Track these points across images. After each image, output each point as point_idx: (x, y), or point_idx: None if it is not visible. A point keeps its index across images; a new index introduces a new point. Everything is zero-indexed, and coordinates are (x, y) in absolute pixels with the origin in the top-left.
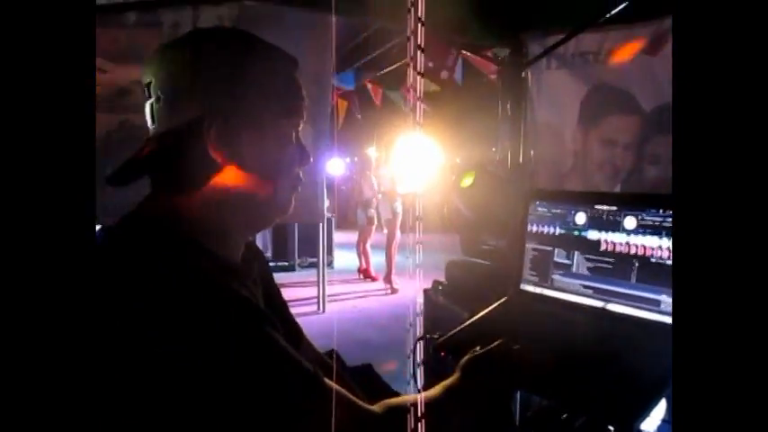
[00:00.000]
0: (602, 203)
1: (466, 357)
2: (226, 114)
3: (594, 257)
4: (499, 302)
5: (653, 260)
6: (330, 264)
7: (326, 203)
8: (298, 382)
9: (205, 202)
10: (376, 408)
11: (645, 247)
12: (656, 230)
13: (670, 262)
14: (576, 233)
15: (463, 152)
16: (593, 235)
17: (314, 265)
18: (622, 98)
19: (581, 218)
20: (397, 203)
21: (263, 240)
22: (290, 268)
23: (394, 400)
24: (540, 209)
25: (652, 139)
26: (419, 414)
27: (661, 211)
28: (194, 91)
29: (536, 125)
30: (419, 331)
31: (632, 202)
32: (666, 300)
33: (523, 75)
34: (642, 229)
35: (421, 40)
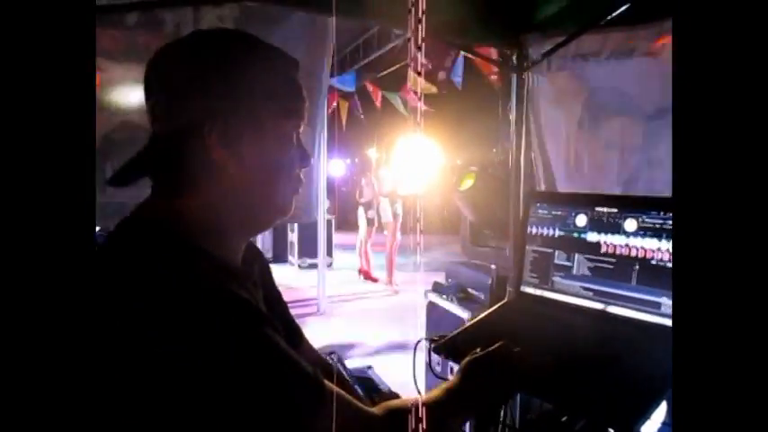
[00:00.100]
0: (603, 206)
1: (466, 359)
2: (226, 116)
3: (595, 260)
4: (499, 304)
5: (653, 262)
6: (330, 265)
7: (327, 204)
8: (298, 385)
9: (206, 204)
10: (377, 410)
11: (645, 250)
12: (656, 233)
13: (670, 264)
14: (577, 235)
15: (464, 154)
16: (593, 237)
17: (314, 266)
18: (623, 100)
19: (581, 220)
20: (398, 205)
21: (262, 241)
22: (291, 269)
23: (395, 402)
24: (540, 211)
25: (653, 142)
26: (419, 416)
27: (662, 213)
28: (195, 92)
29: (537, 127)
30: (420, 333)
31: (633, 204)
32: (667, 302)
33: (524, 77)
34: (643, 231)
35: (421, 41)
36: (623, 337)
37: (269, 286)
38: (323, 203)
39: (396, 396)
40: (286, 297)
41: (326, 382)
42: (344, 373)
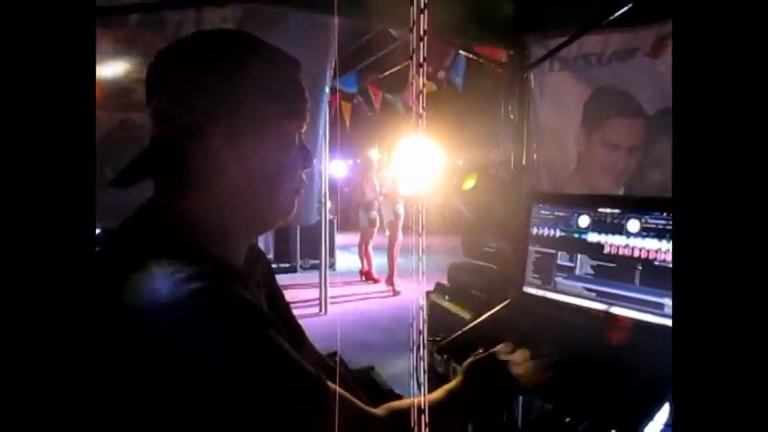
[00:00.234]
0: (606, 206)
1: (469, 360)
2: (229, 116)
3: (598, 260)
4: (502, 305)
5: (656, 263)
6: (332, 266)
7: (329, 205)
8: (301, 386)
9: (208, 205)
10: (379, 411)
11: (648, 251)
12: (659, 233)
13: None
14: (579, 236)
15: (465, 154)
16: (596, 238)
17: (316, 267)
18: (625, 101)
19: (584, 221)
20: (399, 205)
21: (264, 242)
22: (292, 270)
23: (397, 403)
24: (542, 211)
25: (655, 142)
26: (422, 417)
27: (664, 214)
28: (197, 93)
29: (538, 127)
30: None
31: (636, 205)
32: (670, 303)
33: (526, 77)
34: (646, 232)
35: (423, 40)
36: (626, 337)
37: (271, 287)
38: (326, 204)
39: (398, 397)
40: (287, 297)
41: (330, 383)
42: (346, 373)
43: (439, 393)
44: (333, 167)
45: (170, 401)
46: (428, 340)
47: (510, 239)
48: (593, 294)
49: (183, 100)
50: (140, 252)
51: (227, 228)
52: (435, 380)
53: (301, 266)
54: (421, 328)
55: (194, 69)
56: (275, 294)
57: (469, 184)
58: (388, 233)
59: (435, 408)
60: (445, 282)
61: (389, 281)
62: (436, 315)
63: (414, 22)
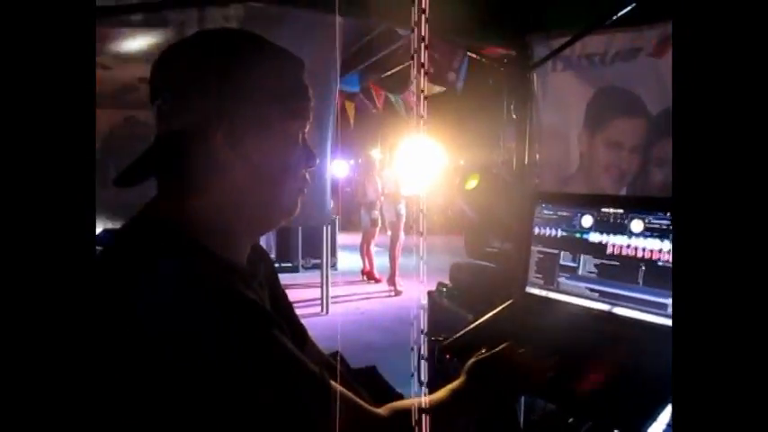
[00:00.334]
0: (609, 206)
1: (471, 360)
2: (232, 116)
3: (601, 260)
4: (504, 305)
5: (660, 263)
6: (334, 265)
7: (331, 205)
8: (305, 386)
9: (211, 204)
10: (382, 411)
11: (652, 251)
12: (662, 234)
13: None
14: (583, 236)
15: (467, 154)
16: (599, 238)
17: (317, 267)
18: (628, 101)
19: (587, 221)
20: (401, 205)
21: (266, 241)
22: (294, 269)
23: (400, 404)
24: (545, 211)
25: (658, 142)
26: (424, 417)
27: (668, 214)
28: (201, 92)
29: (541, 127)
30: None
31: (639, 205)
32: None
33: (528, 77)
34: (649, 232)
35: (425, 40)
36: (629, 338)
37: (274, 286)
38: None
39: (400, 396)
40: (289, 297)
41: (333, 383)
42: (348, 373)
43: (442, 393)
44: (334, 167)
45: (174, 401)
46: (431, 340)
47: (512, 239)
48: (596, 295)
49: (187, 99)
50: (144, 252)
51: (231, 227)
52: (438, 380)
53: (303, 266)
54: (423, 327)
55: (198, 69)
56: (278, 294)
57: (472, 184)
58: (389, 233)
59: (438, 408)
60: (447, 281)
61: (391, 281)
62: (438, 315)
63: (415, 21)
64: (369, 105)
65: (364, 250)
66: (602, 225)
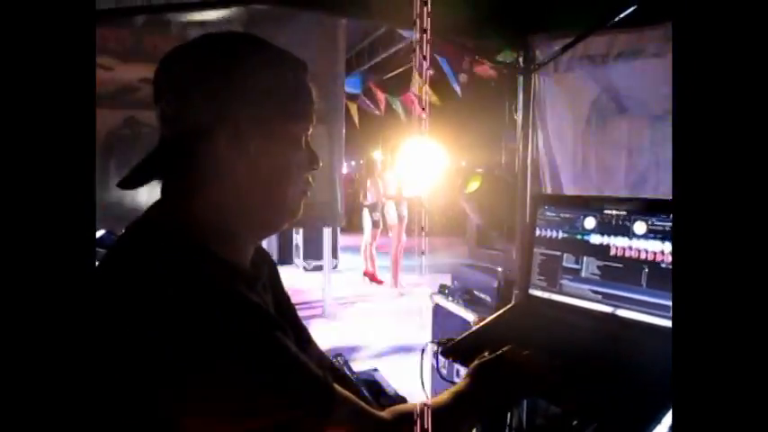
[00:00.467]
0: (612, 208)
1: (475, 363)
2: (235, 119)
3: (604, 262)
4: (507, 307)
5: (663, 265)
6: (335, 267)
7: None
8: (308, 389)
9: (215, 207)
10: (386, 414)
11: (655, 253)
12: (665, 235)
13: None
14: (585, 238)
15: (468, 155)
16: (602, 240)
17: (319, 268)
18: (631, 102)
19: (590, 222)
20: (403, 207)
21: (268, 243)
22: (296, 271)
23: (403, 407)
24: (548, 213)
25: (661, 143)
26: (427, 420)
27: (671, 216)
28: (204, 95)
29: (543, 128)
30: (426, 336)
31: (642, 206)
32: None
33: (531, 78)
34: (652, 233)
35: (427, 40)
36: (633, 340)
37: (277, 289)
38: None
39: (403, 399)
40: (291, 299)
41: (337, 386)
42: (351, 375)
43: (445, 396)
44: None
45: (177, 403)
46: (433, 342)
47: (515, 241)
48: (600, 297)
49: (190, 102)
50: (147, 254)
51: (234, 230)
52: (440, 382)
53: (305, 268)
54: (425, 330)
55: (201, 72)
56: (281, 296)
57: (474, 185)
58: (391, 234)
59: (441, 411)
60: (449, 283)
61: (393, 282)
62: (440, 317)
63: (417, 22)
64: (371, 107)
65: (366, 252)
66: (605, 227)
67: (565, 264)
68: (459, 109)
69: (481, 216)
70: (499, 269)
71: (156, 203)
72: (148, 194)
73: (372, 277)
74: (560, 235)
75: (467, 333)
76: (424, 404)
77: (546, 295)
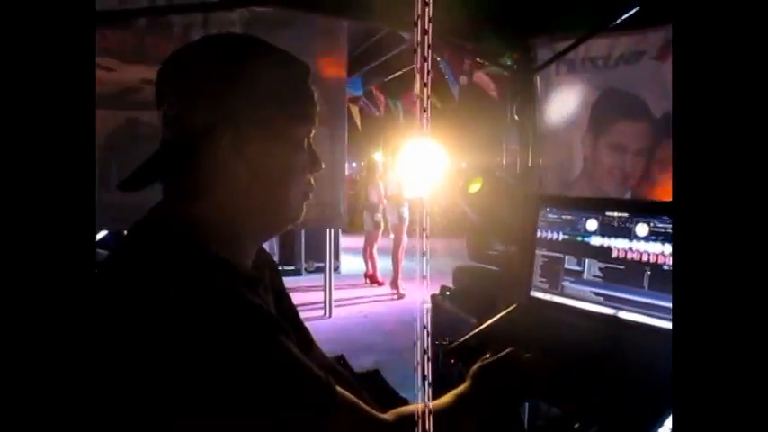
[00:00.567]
0: (614, 210)
1: (476, 365)
2: (237, 121)
3: (605, 264)
4: (509, 309)
5: (665, 267)
6: (337, 268)
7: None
8: (311, 391)
9: (217, 209)
10: (388, 416)
11: (657, 255)
12: (667, 237)
13: None
14: (587, 240)
15: (469, 157)
16: (604, 242)
17: (320, 270)
18: (632, 104)
19: (592, 224)
20: (404, 208)
21: (269, 245)
22: (297, 272)
23: (405, 409)
24: (550, 215)
25: (662, 145)
26: (429, 422)
27: (672, 218)
28: (206, 98)
29: (545, 130)
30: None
31: (643, 208)
32: None
33: (532, 80)
34: (654, 236)
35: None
36: (635, 342)
37: (279, 291)
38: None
39: (404, 401)
40: (293, 300)
41: (339, 388)
42: (352, 377)
43: (447, 398)
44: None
45: (179, 405)
46: (435, 344)
47: (516, 243)
48: (602, 299)
49: (192, 104)
50: (150, 256)
51: (236, 232)
52: (441, 384)
53: (306, 269)
54: (426, 331)
55: (203, 74)
56: (283, 299)
57: (475, 187)
58: (392, 236)
59: (443, 413)
60: (450, 285)
61: (394, 284)
62: (441, 318)
63: (418, 24)
64: (372, 109)
65: (367, 253)
66: (607, 229)
67: (566, 265)
68: (461, 110)
69: (482, 217)
70: (500, 270)
71: (158, 205)
72: (150, 196)
73: (373, 279)
74: (562, 237)
75: (468, 335)
76: (426, 406)
77: (547, 297)
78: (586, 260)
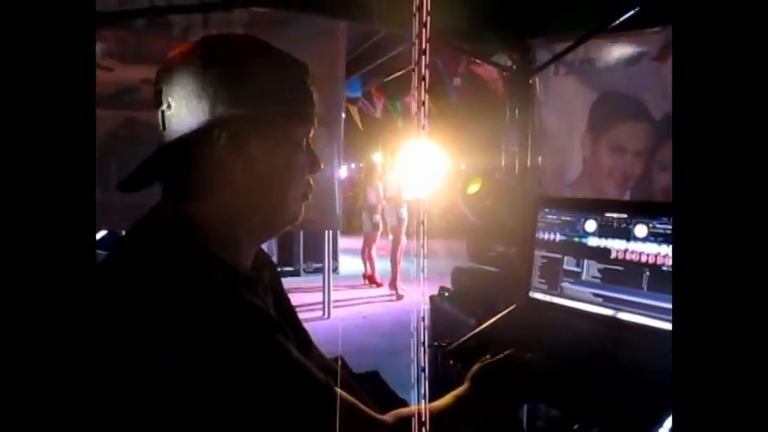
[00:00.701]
0: (613, 211)
1: (476, 366)
2: (236, 121)
3: (605, 265)
4: (508, 310)
5: (664, 268)
6: (335, 269)
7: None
8: (310, 392)
9: (216, 210)
10: (387, 417)
11: (656, 256)
12: (666, 239)
13: None
14: (586, 241)
15: (468, 158)
16: (603, 243)
17: (319, 271)
18: (632, 105)
19: (591, 225)
20: (403, 209)
21: (268, 245)
22: (296, 273)
23: (404, 410)
24: (549, 216)
25: (662, 146)
26: (428, 424)
27: (672, 219)
28: (205, 98)
29: (544, 132)
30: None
31: (643, 210)
32: None
33: (531, 81)
34: (653, 237)
35: (425, 45)
36: (634, 343)
37: (278, 292)
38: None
39: (403, 402)
40: (291, 301)
41: (337, 388)
42: (351, 378)
43: (446, 400)
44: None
45: (178, 405)
46: (433, 345)
47: (515, 244)
48: (601, 300)
49: (191, 105)
50: (149, 257)
51: (235, 232)
52: (440, 385)
53: (305, 270)
54: (425, 332)
55: (202, 75)
56: (282, 300)
57: (474, 188)
58: (391, 237)
59: (443, 414)
60: (449, 286)
61: (393, 285)
62: (440, 319)
63: (417, 26)
64: (371, 110)
65: (366, 254)
66: (606, 230)
67: (565, 266)
68: (459, 111)
69: (481, 218)
70: (499, 271)
71: (157, 205)
72: (150, 196)
73: (372, 280)
74: (561, 238)
75: (467, 336)
76: (426, 407)
77: (546, 298)
78: (585, 261)
